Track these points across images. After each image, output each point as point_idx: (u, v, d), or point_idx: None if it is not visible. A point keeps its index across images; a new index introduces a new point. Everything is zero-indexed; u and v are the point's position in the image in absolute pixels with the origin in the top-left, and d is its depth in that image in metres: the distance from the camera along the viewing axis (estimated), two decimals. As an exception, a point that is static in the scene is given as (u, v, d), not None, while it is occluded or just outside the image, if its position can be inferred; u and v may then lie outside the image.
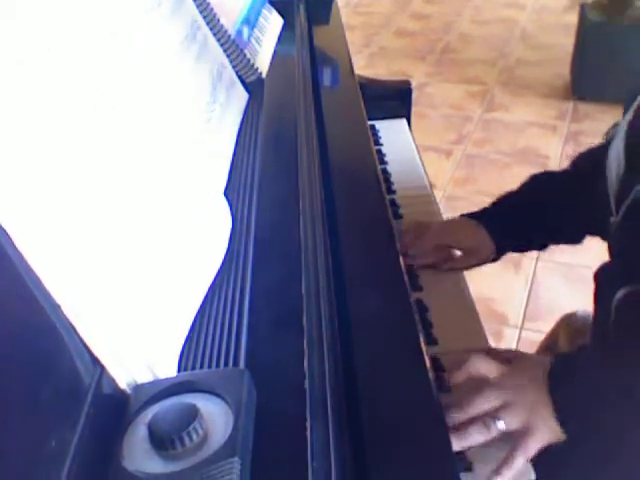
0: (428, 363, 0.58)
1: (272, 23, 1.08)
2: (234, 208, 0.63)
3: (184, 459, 0.39)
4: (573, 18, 3.02)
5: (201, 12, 0.82)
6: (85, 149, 0.47)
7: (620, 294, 0.69)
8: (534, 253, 2.02)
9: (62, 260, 0.41)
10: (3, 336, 0.36)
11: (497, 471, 0.64)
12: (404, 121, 1.31)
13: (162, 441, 0.39)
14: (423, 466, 0.51)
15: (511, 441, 0.67)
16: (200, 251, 0.56)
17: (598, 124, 2.78)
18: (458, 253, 0.96)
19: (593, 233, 0.94)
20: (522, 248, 1.02)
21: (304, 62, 1.02)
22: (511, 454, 0.65)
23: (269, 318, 0.53)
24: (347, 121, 0.95)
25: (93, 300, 0.42)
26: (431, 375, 0.58)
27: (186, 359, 0.48)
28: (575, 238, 0.98)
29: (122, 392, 0.43)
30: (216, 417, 0.41)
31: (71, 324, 0.40)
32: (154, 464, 0.39)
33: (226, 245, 0.59)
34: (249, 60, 0.89)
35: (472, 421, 0.66)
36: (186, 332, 0.50)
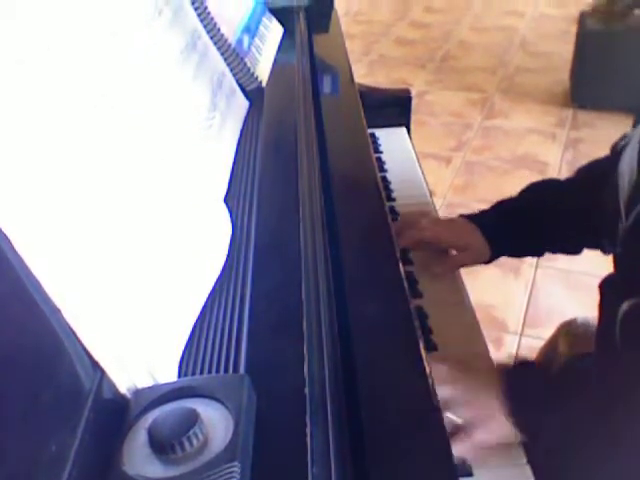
0: (428, 369, 0.58)
1: (272, 32, 1.09)
2: (234, 215, 0.64)
3: (184, 464, 0.39)
4: (572, 26, 3.03)
5: (202, 21, 0.83)
6: (85, 152, 0.47)
7: (625, 306, 0.69)
8: (534, 260, 2.02)
9: (62, 264, 0.41)
10: (3, 340, 0.36)
11: None
12: (404, 129, 1.31)
13: (162, 446, 0.39)
14: (423, 472, 0.50)
15: (511, 449, 0.67)
16: (200, 257, 0.56)
17: (597, 131, 2.80)
18: (453, 252, 0.97)
19: (592, 246, 0.94)
20: (517, 253, 1.02)
21: (304, 70, 1.03)
22: (456, 439, 0.67)
23: (269, 324, 0.53)
24: (347, 129, 0.96)
25: (93, 305, 0.42)
26: (431, 381, 0.58)
27: (186, 364, 0.49)
28: (572, 248, 0.98)
29: (122, 397, 0.43)
30: (216, 422, 0.41)
31: (71, 328, 0.40)
32: (154, 469, 0.39)
33: (226, 251, 0.59)
34: (249, 68, 0.90)
35: None
36: (186, 337, 0.50)
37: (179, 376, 0.48)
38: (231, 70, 0.86)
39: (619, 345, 0.70)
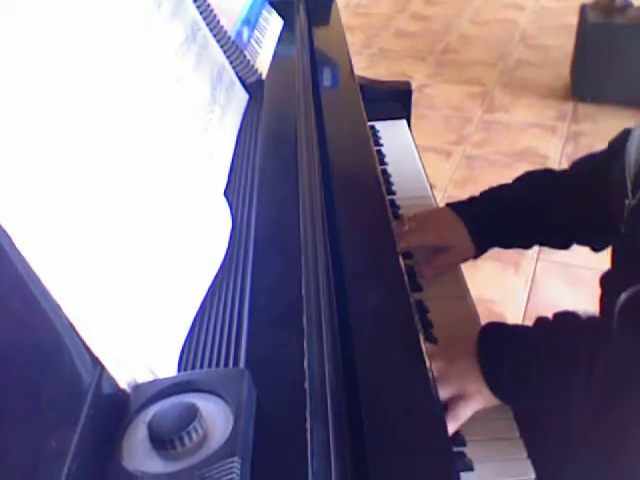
0: (428, 363, 0.58)
1: (272, 24, 1.08)
2: (234, 209, 0.63)
3: (184, 459, 0.39)
4: (573, 19, 3.02)
5: (201, 13, 0.83)
6: (85, 149, 0.47)
7: (623, 297, 0.69)
8: (534, 254, 2.02)
9: (62, 260, 0.41)
10: (3, 336, 0.36)
11: None
12: (404, 122, 1.31)
13: (162, 441, 0.39)
14: (423, 466, 0.50)
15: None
16: (200, 251, 0.56)
17: (598, 125, 2.79)
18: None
19: (582, 241, 0.93)
20: (505, 244, 1.00)
21: (304, 63, 1.03)
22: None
23: (269, 318, 0.53)
24: (347, 122, 0.95)
25: (93, 300, 0.42)
26: (431, 375, 0.57)
27: (186, 359, 0.49)
28: (562, 242, 0.96)
29: (122, 392, 0.43)
30: (216, 417, 0.41)
31: (71, 324, 0.40)
32: (154, 464, 0.39)
33: (226, 245, 0.59)
34: (249, 61, 0.89)
35: None
36: (186, 332, 0.50)
37: (179, 371, 0.47)
38: (231, 63, 0.86)
39: (616, 335, 0.70)
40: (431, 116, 2.96)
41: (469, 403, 0.69)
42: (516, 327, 0.80)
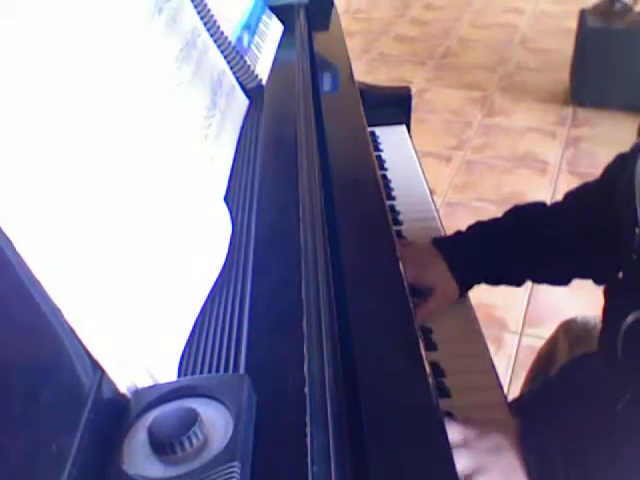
0: (428, 369, 0.58)
1: (272, 29, 1.09)
2: (234, 213, 0.63)
3: (184, 463, 0.39)
4: (572, 23, 3.03)
5: (201, 18, 0.83)
6: (85, 151, 0.47)
7: (630, 319, 0.68)
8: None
9: (63, 264, 0.41)
10: (3, 340, 0.36)
11: None
12: (404, 127, 1.31)
13: (162, 445, 0.39)
14: (424, 471, 0.50)
15: None
16: (200, 256, 0.56)
17: (597, 129, 2.79)
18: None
19: (582, 275, 0.90)
20: (494, 281, 0.93)
21: (304, 68, 1.03)
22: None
23: (269, 323, 0.53)
24: (347, 127, 0.96)
25: (93, 304, 0.42)
26: (431, 381, 0.58)
27: (186, 364, 0.49)
28: (559, 277, 0.92)
29: (122, 396, 0.43)
30: (216, 422, 0.41)
31: (71, 328, 0.40)
32: (154, 468, 0.39)
33: (226, 250, 0.59)
34: (249, 66, 0.90)
35: None
36: (186, 337, 0.50)
37: (179, 376, 0.47)
38: (231, 68, 0.86)
39: (620, 357, 0.70)
40: (431, 121, 2.97)
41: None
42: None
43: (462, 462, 0.66)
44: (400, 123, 1.31)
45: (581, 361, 0.89)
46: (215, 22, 0.86)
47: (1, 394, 0.35)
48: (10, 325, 0.37)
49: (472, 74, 3.41)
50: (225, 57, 0.85)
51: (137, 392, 0.44)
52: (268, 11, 1.11)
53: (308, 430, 0.44)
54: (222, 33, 0.86)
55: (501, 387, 0.79)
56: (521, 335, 1.85)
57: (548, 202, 0.95)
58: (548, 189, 2.35)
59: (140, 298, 0.46)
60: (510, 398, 0.83)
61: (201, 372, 0.48)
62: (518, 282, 0.93)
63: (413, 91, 1.35)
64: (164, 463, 0.39)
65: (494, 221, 0.92)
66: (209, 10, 0.85)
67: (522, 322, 1.89)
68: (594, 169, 0.90)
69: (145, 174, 0.54)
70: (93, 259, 0.43)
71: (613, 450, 0.65)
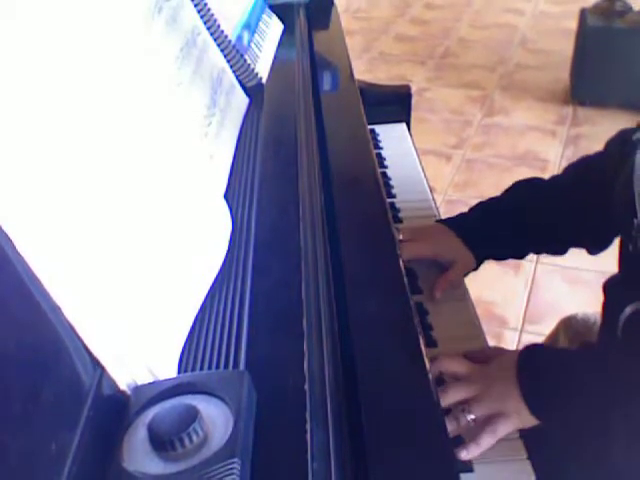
0: (428, 365, 0.58)
1: (272, 28, 1.09)
2: (234, 211, 0.64)
3: (184, 460, 0.39)
4: (572, 24, 3.03)
5: (202, 17, 0.83)
6: (85, 149, 0.47)
7: (629, 310, 0.69)
8: (534, 255, 2.02)
9: (62, 262, 0.41)
10: (3, 337, 0.36)
11: (466, 447, 0.66)
12: (404, 125, 1.31)
13: (162, 442, 0.39)
14: (423, 468, 0.50)
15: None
16: (200, 253, 0.56)
17: (597, 128, 2.79)
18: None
19: (578, 245, 0.92)
20: (499, 256, 0.99)
21: (304, 67, 1.03)
22: (480, 434, 0.67)
23: (269, 320, 0.53)
24: (347, 125, 0.96)
25: (93, 302, 0.42)
26: (431, 377, 0.58)
27: (186, 361, 0.49)
28: (557, 249, 0.95)
29: (122, 393, 0.43)
30: (216, 419, 0.41)
31: (71, 326, 0.41)
32: (154, 465, 0.39)
33: (226, 247, 0.59)
34: (249, 65, 0.90)
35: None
36: (186, 334, 0.50)
37: (179, 372, 0.48)
38: (231, 67, 0.86)
39: (620, 348, 0.70)
40: (431, 119, 2.97)
41: (509, 420, 0.68)
42: (557, 351, 0.80)
43: (458, 393, 0.70)
44: (400, 121, 1.31)
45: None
46: (215, 21, 0.86)
47: (1, 392, 0.35)
48: (10, 323, 0.37)
49: (472, 73, 3.41)
50: (225, 56, 0.86)
51: (137, 389, 0.44)
52: (268, 10, 1.11)
53: (308, 427, 0.44)
54: (222, 32, 0.87)
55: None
56: (521, 332, 1.85)
57: None
58: (548, 188, 2.35)
59: (140, 295, 0.46)
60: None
61: (201, 369, 0.48)
62: (520, 255, 0.98)
63: (413, 90, 1.35)
64: (164, 460, 0.39)
65: (494, 199, 0.95)
66: (209, 9, 0.85)
67: (522, 319, 1.89)
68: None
69: (145, 172, 0.54)
70: (93, 256, 0.44)
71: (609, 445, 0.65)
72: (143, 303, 0.46)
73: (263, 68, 0.95)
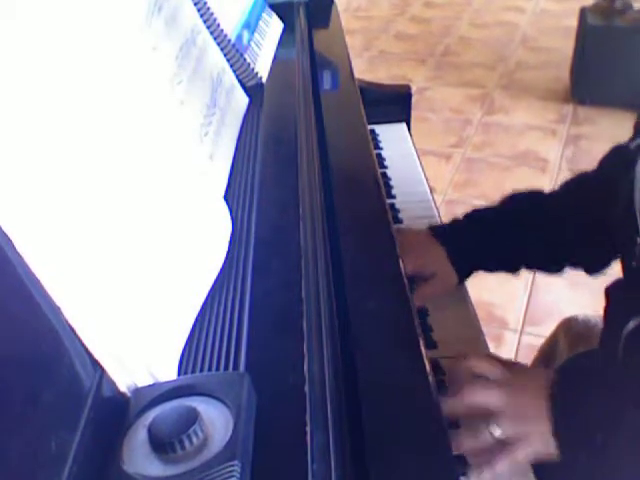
0: (428, 367, 0.58)
1: (272, 27, 1.08)
2: (234, 212, 0.63)
3: (184, 462, 0.39)
4: (573, 22, 3.03)
5: (201, 16, 0.83)
6: (85, 150, 0.47)
7: (631, 325, 0.67)
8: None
9: (63, 263, 0.41)
10: (3, 339, 0.36)
11: (478, 468, 0.64)
12: (404, 125, 1.31)
13: (162, 444, 0.39)
14: (423, 470, 0.50)
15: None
16: (200, 254, 0.56)
17: (598, 127, 2.79)
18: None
19: (576, 265, 0.89)
20: (490, 267, 0.93)
21: (304, 66, 1.03)
22: (497, 456, 0.64)
23: (269, 321, 0.53)
24: (347, 125, 0.95)
25: (94, 303, 0.42)
26: (431, 379, 0.58)
27: (186, 362, 0.49)
28: (552, 266, 0.92)
29: (122, 395, 0.43)
30: (216, 420, 0.41)
31: (71, 327, 0.40)
32: (154, 467, 0.39)
33: (226, 248, 0.59)
34: (249, 64, 0.90)
35: (466, 417, 0.65)
36: (186, 335, 0.50)
37: (179, 374, 0.47)
38: (231, 66, 0.86)
39: (621, 362, 0.69)
40: (431, 119, 2.97)
41: (530, 445, 0.64)
42: (588, 373, 0.71)
43: (491, 396, 0.65)
44: (400, 121, 1.31)
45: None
46: (215, 20, 0.86)
47: (1, 392, 0.35)
48: (10, 324, 0.37)
49: (472, 72, 3.41)
50: (225, 55, 0.85)
51: (137, 391, 0.44)
52: (268, 9, 1.11)
53: (308, 429, 0.44)
54: (222, 31, 0.86)
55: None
56: (521, 333, 1.85)
57: None
58: (548, 187, 2.34)
59: (140, 297, 0.46)
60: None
61: (201, 371, 0.48)
62: (513, 270, 0.94)
63: (413, 89, 1.35)
64: (164, 462, 0.39)
65: (491, 209, 0.93)
66: (209, 8, 0.85)
67: (522, 320, 1.89)
68: (594, 167, 0.90)
69: (145, 172, 0.54)
70: (93, 258, 0.43)
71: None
72: (143, 304, 0.46)
73: (263, 67, 0.95)
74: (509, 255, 0.91)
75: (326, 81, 1.09)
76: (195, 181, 0.61)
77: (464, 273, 0.91)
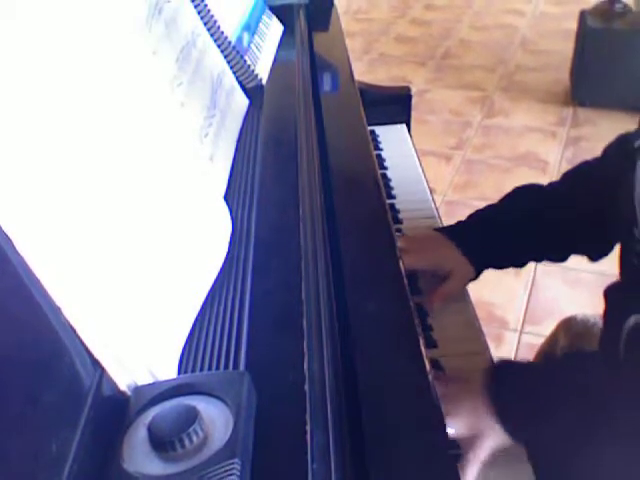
0: (428, 366, 0.58)
1: (272, 29, 1.09)
2: (234, 212, 0.64)
3: (184, 461, 0.39)
4: (572, 25, 3.03)
5: (202, 18, 0.83)
6: (85, 150, 0.47)
7: (632, 321, 0.68)
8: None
9: (63, 263, 0.41)
10: (3, 338, 0.36)
11: None
12: (404, 126, 1.31)
13: (162, 443, 0.39)
14: (423, 469, 0.50)
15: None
16: (200, 254, 0.56)
17: (598, 129, 2.79)
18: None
19: (579, 252, 0.91)
20: (499, 265, 0.95)
21: (304, 68, 1.03)
22: (464, 466, 0.66)
23: (269, 321, 0.53)
24: (347, 126, 0.96)
25: (94, 303, 0.42)
26: (431, 378, 0.58)
27: (186, 361, 0.49)
28: (558, 256, 0.94)
29: (122, 394, 0.43)
30: (216, 419, 0.41)
31: (72, 326, 0.41)
32: (154, 466, 0.39)
33: (226, 248, 0.59)
34: (249, 66, 0.90)
35: None
36: (186, 334, 0.50)
37: (179, 373, 0.48)
38: (231, 68, 0.86)
39: (622, 360, 0.69)
40: (431, 121, 2.97)
41: (485, 441, 0.67)
42: (523, 365, 0.79)
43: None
44: (400, 122, 1.31)
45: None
46: (215, 22, 0.86)
47: (1, 392, 0.35)
48: (10, 323, 0.37)
49: (472, 74, 3.41)
50: (225, 57, 0.86)
51: (137, 389, 0.44)
52: (268, 11, 1.11)
53: (308, 428, 0.44)
54: (222, 33, 0.87)
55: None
56: (521, 333, 1.85)
57: None
58: (548, 188, 2.35)
59: (140, 296, 0.46)
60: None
61: (201, 369, 0.48)
62: (520, 264, 0.96)
63: (413, 91, 1.35)
64: (164, 460, 0.39)
65: (493, 206, 0.94)
66: (209, 10, 0.85)
67: (522, 320, 1.89)
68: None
69: (145, 173, 0.54)
70: (93, 258, 0.44)
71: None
72: (143, 304, 0.46)
73: (263, 69, 0.95)
74: (515, 251, 0.92)
75: (326, 83, 1.09)
76: (195, 181, 0.61)
77: (480, 267, 0.92)
